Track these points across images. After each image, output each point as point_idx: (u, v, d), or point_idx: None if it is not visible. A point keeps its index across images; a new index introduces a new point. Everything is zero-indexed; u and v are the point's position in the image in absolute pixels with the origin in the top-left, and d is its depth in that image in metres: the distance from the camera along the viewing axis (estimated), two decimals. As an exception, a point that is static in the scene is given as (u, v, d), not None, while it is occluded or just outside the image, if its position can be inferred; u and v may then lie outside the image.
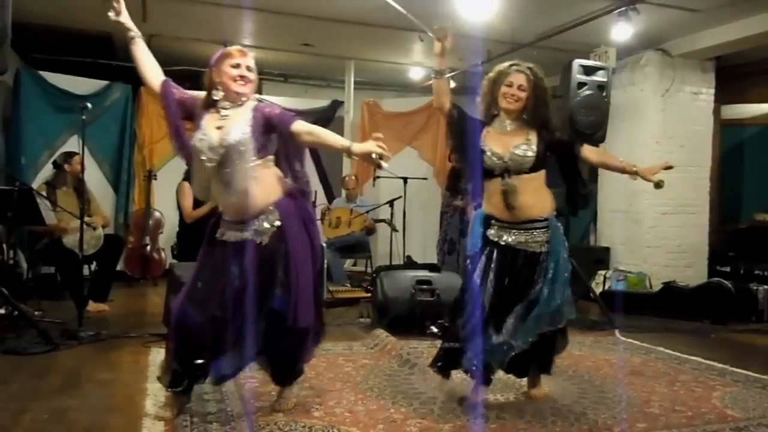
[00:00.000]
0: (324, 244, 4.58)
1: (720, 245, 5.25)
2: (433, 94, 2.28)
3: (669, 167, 2.28)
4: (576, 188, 2.32)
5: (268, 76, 6.24)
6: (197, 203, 4.32)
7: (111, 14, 2.06)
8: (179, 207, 4.42)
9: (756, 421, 2.18)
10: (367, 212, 5.26)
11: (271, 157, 2.03)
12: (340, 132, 6.24)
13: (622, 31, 4.08)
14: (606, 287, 4.80)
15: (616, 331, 3.69)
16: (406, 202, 5.09)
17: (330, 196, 6.04)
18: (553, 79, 5.47)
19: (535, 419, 2.14)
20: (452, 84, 5.90)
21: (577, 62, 4.19)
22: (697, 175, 5.13)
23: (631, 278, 4.82)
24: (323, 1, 4.20)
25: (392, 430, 2.03)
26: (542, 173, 2.23)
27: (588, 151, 2.29)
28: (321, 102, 6.27)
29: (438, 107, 2.28)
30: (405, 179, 5.15)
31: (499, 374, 2.69)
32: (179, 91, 2.05)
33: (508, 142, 2.20)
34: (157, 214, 5.29)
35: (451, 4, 3.89)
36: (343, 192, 5.66)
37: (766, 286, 4.23)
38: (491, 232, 2.21)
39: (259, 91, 6.18)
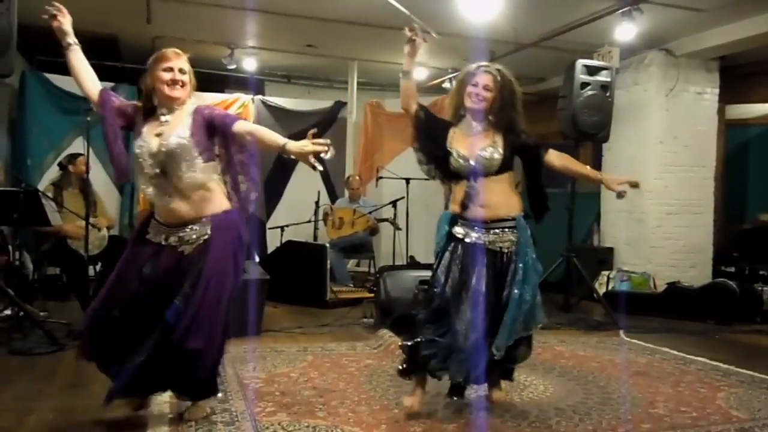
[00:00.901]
0: (327, 245, 4.63)
1: (725, 245, 5.22)
2: (401, 95, 2.24)
3: (636, 185, 2.17)
4: (540, 193, 2.26)
5: (271, 77, 6.26)
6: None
7: (46, 17, 2.00)
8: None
9: (761, 421, 2.18)
10: (370, 212, 5.27)
11: (216, 164, 1.99)
12: (343, 133, 6.27)
13: (625, 30, 4.07)
14: (610, 288, 4.79)
15: (621, 332, 3.68)
16: (409, 202, 5.09)
17: (333, 197, 6.05)
18: (556, 79, 5.49)
19: (539, 420, 2.14)
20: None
21: (581, 62, 4.18)
22: (701, 175, 5.11)
23: (636, 278, 4.80)
24: (326, 3, 4.21)
25: (396, 430, 2.03)
26: (510, 174, 2.21)
27: (553, 156, 2.21)
28: (324, 103, 6.28)
29: (405, 108, 2.24)
30: (408, 180, 5.15)
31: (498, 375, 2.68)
32: (118, 100, 2.02)
33: (474, 144, 2.16)
34: (161, 215, 5.31)
35: (454, 4, 3.90)
36: (346, 192, 5.67)
37: (771, 287, 4.22)
38: (457, 229, 2.18)
39: (261, 92, 6.28)
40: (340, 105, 6.23)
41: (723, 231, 5.31)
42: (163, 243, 1.95)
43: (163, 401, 2.21)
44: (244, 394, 2.32)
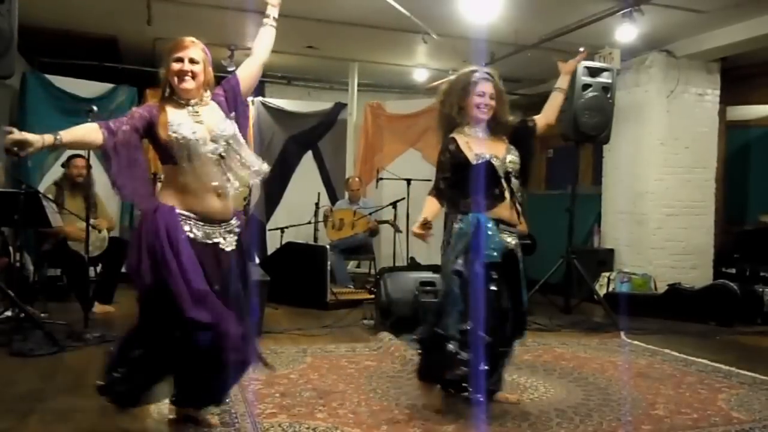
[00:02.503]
0: (328, 246, 4.63)
1: (725, 247, 5.21)
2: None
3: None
4: (528, 171, 2.31)
5: (271, 78, 6.26)
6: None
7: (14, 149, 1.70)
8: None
9: (762, 423, 2.17)
10: (371, 214, 5.27)
11: None
12: (343, 134, 6.28)
13: (626, 32, 4.07)
14: (610, 289, 4.79)
15: (621, 333, 3.68)
16: (410, 203, 5.09)
17: (333, 198, 6.05)
18: (556, 80, 5.46)
19: (539, 421, 2.14)
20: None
21: (582, 64, 4.19)
22: (702, 177, 5.11)
23: (636, 280, 4.80)
24: (327, 4, 4.21)
25: (396, 430, 2.03)
26: None
27: (540, 121, 2.33)
28: (324, 104, 6.29)
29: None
30: (408, 181, 5.15)
31: (504, 376, 2.69)
32: (127, 124, 1.80)
33: (495, 148, 2.21)
34: (161, 216, 5.31)
35: (455, 5, 3.90)
36: (346, 193, 5.67)
37: (772, 288, 4.21)
38: (507, 240, 2.21)
39: (262, 93, 6.28)
40: (340, 106, 6.23)
41: (724, 232, 5.31)
42: (208, 241, 1.83)
43: (162, 403, 2.21)
44: (244, 395, 2.32)
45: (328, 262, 4.41)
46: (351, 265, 5.83)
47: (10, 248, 3.79)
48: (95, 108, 3.60)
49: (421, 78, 6.13)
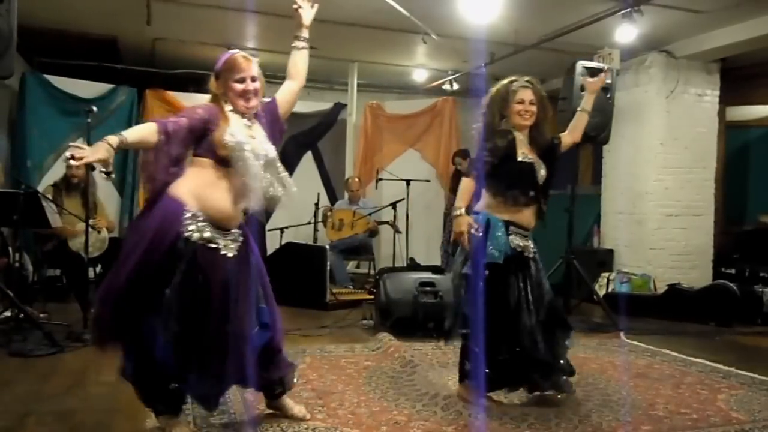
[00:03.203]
0: (327, 247, 4.62)
1: (725, 247, 5.22)
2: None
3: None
4: (549, 187, 2.38)
5: (271, 78, 6.21)
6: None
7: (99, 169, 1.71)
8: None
9: (761, 423, 2.17)
10: (370, 214, 5.27)
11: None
12: (343, 134, 6.27)
13: (626, 32, 4.07)
14: (610, 289, 4.79)
15: (621, 334, 3.68)
16: (409, 204, 5.09)
17: (332, 198, 6.05)
18: (556, 81, 5.48)
19: (538, 422, 2.14)
20: (455, 86, 5.91)
21: (581, 64, 4.18)
22: (701, 177, 5.11)
23: (636, 280, 4.80)
24: (326, 4, 4.16)
25: (395, 431, 2.03)
26: None
27: (567, 140, 2.45)
28: (324, 104, 6.28)
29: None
30: (408, 181, 5.15)
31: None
32: (186, 126, 1.82)
33: (534, 156, 2.32)
34: (161, 216, 5.31)
35: (454, 6, 3.90)
36: (346, 194, 5.67)
37: (771, 288, 4.21)
38: (515, 241, 2.26)
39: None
40: (340, 106, 6.23)
41: (723, 233, 5.31)
42: (211, 245, 1.82)
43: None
44: (243, 396, 2.32)
45: (328, 263, 4.41)
46: (350, 265, 5.83)
47: (10, 248, 3.79)
48: (95, 108, 3.61)
49: (421, 78, 6.13)
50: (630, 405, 2.35)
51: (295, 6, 2.05)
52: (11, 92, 4.96)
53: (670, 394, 2.50)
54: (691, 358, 3.11)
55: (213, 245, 1.83)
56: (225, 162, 1.83)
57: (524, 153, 2.27)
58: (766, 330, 3.96)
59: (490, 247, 2.18)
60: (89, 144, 3.62)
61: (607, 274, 4.96)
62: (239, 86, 1.88)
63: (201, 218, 1.81)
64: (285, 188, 1.94)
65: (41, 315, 3.52)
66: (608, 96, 4.31)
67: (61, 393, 2.33)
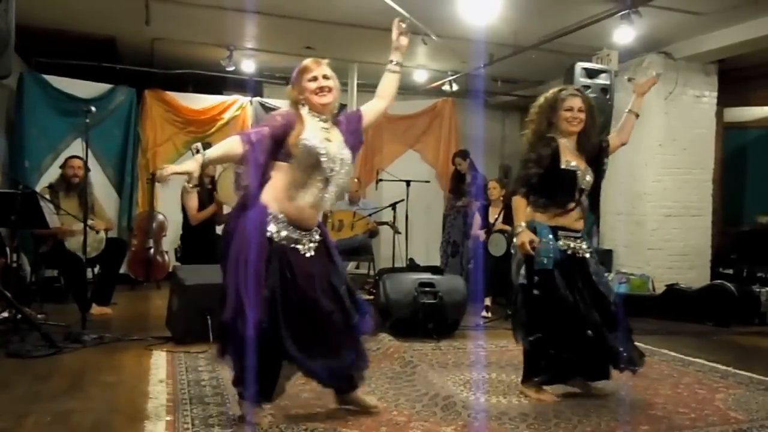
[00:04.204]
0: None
1: (723, 248, 5.23)
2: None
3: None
4: (600, 190, 2.49)
5: (270, 79, 6.26)
6: (202, 206, 4.34)
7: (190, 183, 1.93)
8: (184, 209, 4.42)
9: (759, 422, 2.18)
10: (370, 215, 5.27)
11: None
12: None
13: (624, 34, 4.08)
14: (609, 290, 4.79)
15: (619, 334, 3.68)
16: (409, 204, 5.09)
17: (332, 199, 6.04)
18: (555, 82, 5.49)
19: (537, 421, 2.14)
20: (455, 87, 5.92)
21: (580, 65, 4.19)
22: (699, 178, 5.13)
23: (634, 281, 4.81)
24: (325, 5, 4.22)
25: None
26: None
27: (615, 141, 2.50)
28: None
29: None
30: (408, 182, 5.15)
31: (502, 376, 2.71)
32: (268, 135, 1.95)
33: (580, 162, 2.37)
34: (160, 216, 5.31)
35: (454, 7, 3.90)
36: (346, 195, 5.67)
37: (769, 289, 4.23)
38: (566, 243, 2.32)
39: (260, 93, 6.27)
40: (340, 107, 6.22)
41: (721, 233, 5.32)
42: (292, 245, 1.98)
43: (160, 404, 2.20)
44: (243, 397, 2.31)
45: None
46: (350, 266, 5.83)
47: (7, 249, 3.78)
48: (93, 108, 3.60)
49: (421, 79, 6.13)
50: (628, 404, 2.35)
51: (400, 32, 2.21)
52: (9, 92, 4.95)
53: (668, 394, 2.51)
54: (690, 358, 3.12)
55: (293, 245, 1.98)
56: (302, 164, 1.97)
57: (567, 160, 2.33)
58: (764, 330, 3.97)
59: (539, 257, 2.26)
60: (87, 143, 3.64)
61: (606, 275, 4.97)
62: (313, 84, 2.03)
63: (281, 219, 1.97)
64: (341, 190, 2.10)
65: (39, 316, 3.52)
66: (608, 97, 4.32)
67: (60, 394, 2.32)
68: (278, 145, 1.97)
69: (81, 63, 5.19)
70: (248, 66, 5.54)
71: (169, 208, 5.06)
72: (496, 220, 4.56)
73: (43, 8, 4.29)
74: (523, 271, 2.31)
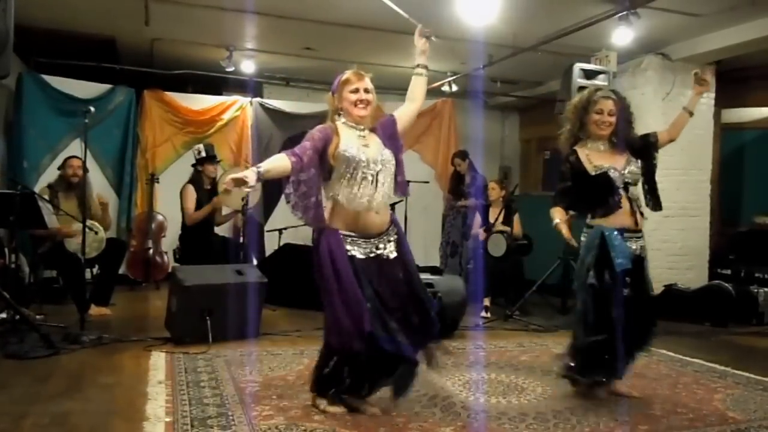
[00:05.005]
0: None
1: (721, 248, 5.24)
2: None
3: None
4: (655, 182, 2.47)
5: (270, 79, 6.26)
6: (200, 207, 4.34)
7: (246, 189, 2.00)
8: (182, 209, 4.42)
9: (757, 423, 2.19)
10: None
11: None
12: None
13: (622, 35, 4.09)
14: (607, 290, 4.79)
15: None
16: (408, 205, 5.09)
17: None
18: (554, 83, 5.49)
19: (536, 422, 2.15)
20: (455, 88, 5.92)
21: (578, 66, 4.20)
22: (697, 179, 5.14)
23: (633, 281, 4.81)
24: (325, 5, 4.22)
25: (394, 433, 2.03)
26: None
27: (663, 136, 2.49)
28: (322, 106, 6.21)
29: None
30: (407, 182, 5.14)
31: (502, 377, 2.71)
32: (310, 147, 2.07)
33: (614, 160, 2.38)
34: (159, 217, 5.30)
35: (453, 7, 3.91)
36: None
37: (766, 289, 4.23)
38: (631, 246, 2.36)
39: (260, 94, 6.27)
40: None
41: (719, 234, 5.34)
42: (371, 255, 2.11)
43: (159, 405, 2.20)
44: (241, 397, 2.32)
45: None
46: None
47: (6, 250, 3.78)
48: (92, 109, 3.60)
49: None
50: (627, 405, 2.36)
51: (428, 36, 2.32)
52: (8, 92, 4.94)
53: (666, 394, 2.52)
54: (688, 358, 3.13)
55: (374, 254, 2.11)
56: (346, 175, 2.08)
57: (597, 165, 2.35)
58: (762, 330, 3.98)
59: (617, 259, 2.29)
60: (86, 144, 3.63)
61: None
62: (353, 96, 2.15)
63: (354, 236, 2.10)
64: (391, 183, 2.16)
65: (38, 317, 3.51)
66: (605, 98, 4.32)
67: (58, 395, 2.32)
68: (322, 160, 2.07)
69: (80, 63, 5.18)
70: (248, 66, 5.54)
71: (169, 208, 5.06)
72: (496, 220, 4.57)
73: (42, 8, 4.28)
74: (593, 272, 2.32)
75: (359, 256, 2.09)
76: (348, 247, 2.09)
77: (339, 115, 2.18)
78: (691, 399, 2.46)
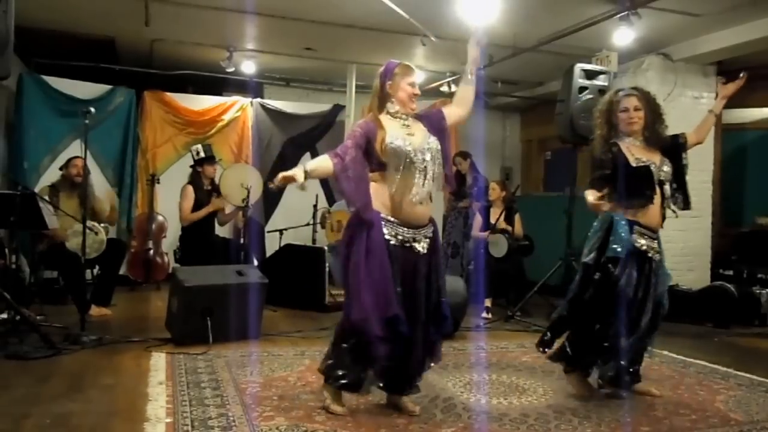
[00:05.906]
0: (326, 248, 4.61)
1: (723, 249, 5.23)
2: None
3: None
4: (685, 181, 2.48)
5: (270, 80, 6.26)
6: (199, 207, 4.33)
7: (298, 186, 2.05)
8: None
9: (760, 424, 2.18)
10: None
11: None
12: (341, 136, 6.26)
13: (623, 35, 4.09)
14: (608, 291, 4.78)
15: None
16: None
17: (331, 200, 6.04)
18: (554, 83, 5.49)
19: (538, 423, 2.14)
20: (453, 88, 5.92)
21: (579, 66, 4.19)
22: (699, 179, 5.11)
23: (634, 282, 4.80)
24: (325, 6, 4.22)
25: (395, 434, 2.02)
26: None
27: (692, 138, 2.54)
28: (322, 106, 6.29)
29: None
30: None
31: (503, 378, 2.70)
32: (351, 146, 2.08)
33: (652, 156, 2.41)
34: (160, 218, 5.30)
35: (453, 8, 3.91)
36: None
37: (769, 290, 4.23)
38: (640, 241, 2.35)
39: (260, 94, 6.27)
40: (338, 108, 6.23)
41: (721, 234, 5.32)
42: (406, 245, 2.09)
43: (159, 406, 2.20)
44: (242, 398, 2.31)
45: (327, 264, 4.40)
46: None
47: (6, 250, 3.77)
48: (92, 109, 3.60)
49: (419, 80, 6.11)
50: (629, 406, 2.35)
51: (479, 43, 2.32)
52: (8, 93, 4.94)
53: (669, 395, 2.51)
54: (690, 359, 3.12)
55: (408, 244, 2.10)
56: (395, 166, 2.07)
57: (638, 158, 2.36)
58: (764, 331, 3.97)
59: (613, 245, 2.30)
60: (86, 144, 3.63)
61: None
62: (410, 89, 2.17)
63: (395, 222, 2.09)
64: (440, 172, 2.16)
65: (38, 317, 3.50)
66: (606, 98, 4.32)
67: (59, 396, 2.31)
68: (368, 155, 2.09)
69: (80, 64, 5.18)
70: (248, 67, 5.54)
71: (169, 209, 5.05)
72: (497, 220, 4.56)
73: (42, 9, 4.29)
74: (594, 254, 2.34)
75: (393, 242, 2.08)
76: (385, 230, 2.07)
77: (391, 102, 2.16)
78: (694, 400, 2.45)
